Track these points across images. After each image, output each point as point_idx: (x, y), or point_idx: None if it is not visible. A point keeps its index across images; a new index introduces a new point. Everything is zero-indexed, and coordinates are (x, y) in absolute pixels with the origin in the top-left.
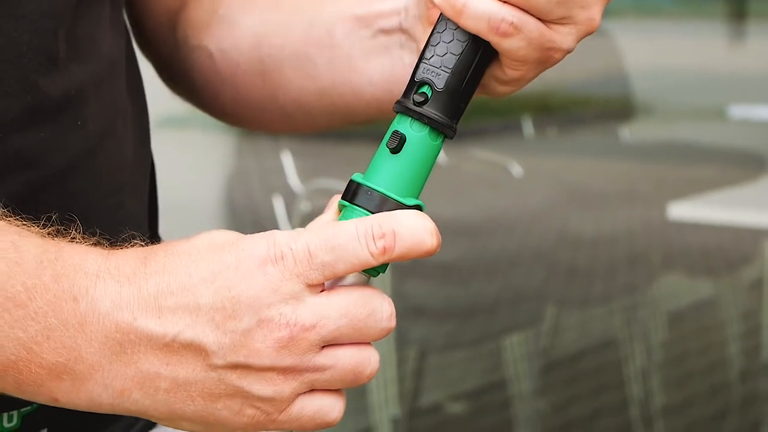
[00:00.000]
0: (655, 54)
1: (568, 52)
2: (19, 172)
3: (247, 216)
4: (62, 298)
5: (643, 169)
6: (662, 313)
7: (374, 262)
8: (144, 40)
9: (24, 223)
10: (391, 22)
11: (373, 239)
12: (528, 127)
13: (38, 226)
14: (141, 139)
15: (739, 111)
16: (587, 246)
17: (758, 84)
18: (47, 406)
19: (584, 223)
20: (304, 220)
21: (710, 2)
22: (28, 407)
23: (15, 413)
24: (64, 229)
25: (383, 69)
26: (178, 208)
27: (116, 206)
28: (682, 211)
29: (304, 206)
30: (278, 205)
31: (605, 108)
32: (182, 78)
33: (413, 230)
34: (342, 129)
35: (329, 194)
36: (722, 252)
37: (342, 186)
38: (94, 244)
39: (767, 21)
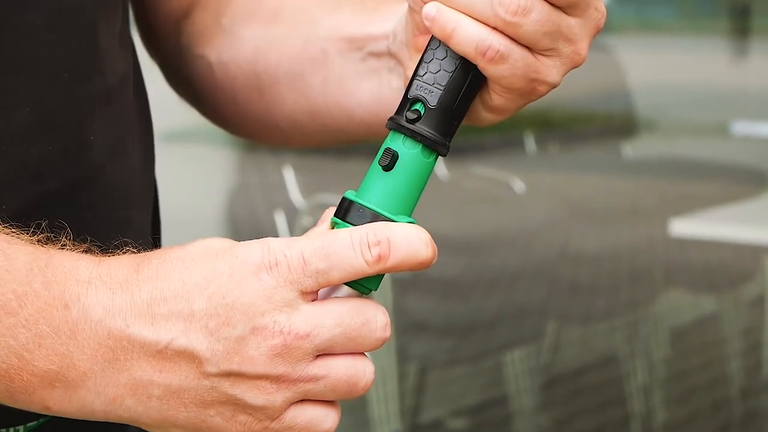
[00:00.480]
0: (658, 70)
1: (554, 86)
2: (26, 185)
3: (249, 231)
4: (53, 306)
5: (645, 185)
6: (664, 330)
7: (369, 271)
8: (152, 45)
9: (13, 231)
10: (381, 46)
11: (368, 247)
12: (530, 143)
13: (44, 239)
14: (147, 154)
15: (741, 127)
16: (589, 262)
17: (761, 100)
18: (53, 421)
19: (586, 239)
20: None
21: (713, 18)
22: (34, 422)
23: (21, 428)
24: (55, 237)
25: (372, 92)
26: (180, 222)
27: (124, 221)
28: (683, 227)
29: (306, 221)
30: (280, 220)
31: (607, 124)
32: (186, 84)
33: (408, 240)
34: (342, 145)
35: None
36: (724, 268)
37: None
38: (85, 251)
39: None
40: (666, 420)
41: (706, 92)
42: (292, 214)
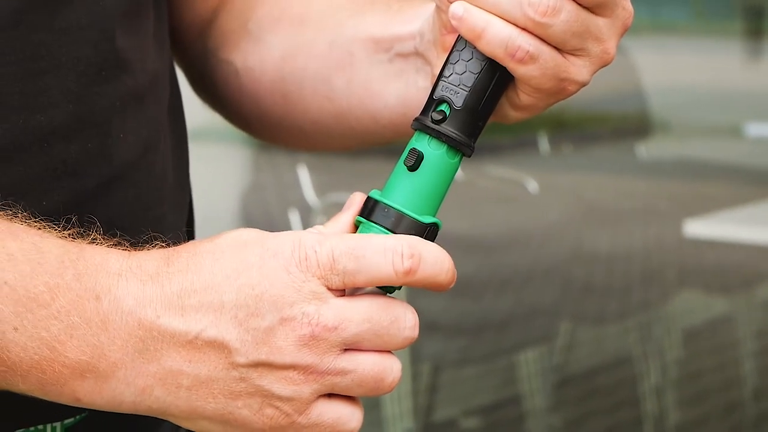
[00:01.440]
0: (672, 71)
1: (583, 84)
2: (64, 182)
3: (263, 229)
4: (84, 297)
5: (659, 186)
6: (677, 331)
7: (395, 280)
8: (176, 49)
9: (45, 226)
10: (408, 47)
11: (402, 258)
12: (544, 143)
13: (97, 235)
14: (180, 152)
15: (755, 129)
16: (602, 262)
17: None
18: (90, 417)
19: (599, 239)
20: None
21: (727, 20)
22: (71, 419)
23: (58, 425)
24: (85, 232)
25: (398, 93)
26: (195, 220)
27: (158, 218)
28: (697, 228)
29: (320, 220)
30: (294, 219)
31: (621, 125)
32: (210, 89)
33: (437, 260)
34: (367, 147)
35: None
36: (737, 269)
37: None
38: (115, 245)
39: None
40: (679, 421)
41: (720, 93)
42: (306, 212)
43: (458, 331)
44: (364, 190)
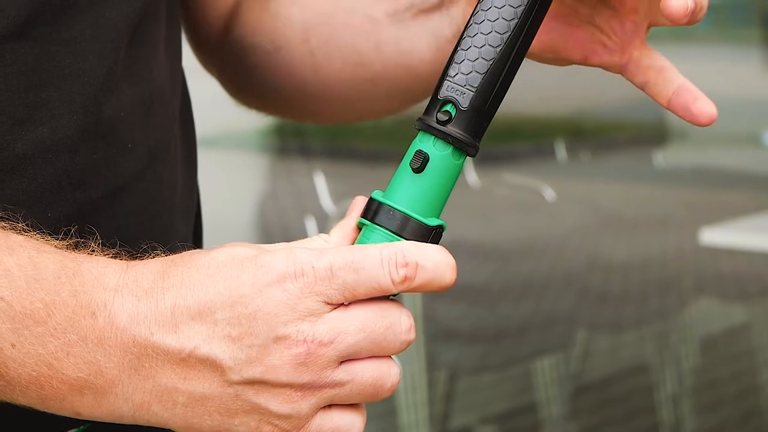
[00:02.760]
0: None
1: None
2: (68, 193)
3: (279, 237)
4: (80, 314)
5: (676, 194)
6: (694, 339)
7: (393, 290)
8: (205, 54)
9: (42, 237)
10: (431, 1)
11: (396, 267)
12: (561, 151)
13: (96, 247)
14: (189, 161)
15: None
16: (619, 270)
17: None
18: (98, 426)
19: (616, 247)
20: None
21: (746, 28)
22: (75, 429)
23: None
24: (83, 242)
25: (431, 45)
26: (210, 228)
27: (166, 228)
28: (714, 236)
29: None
30: (311, 226)
31: (639, 133)
32: (246, 81)
33: (436, 263)
34: (375, 147)
35: None
36: (755, 278)
37: None
38: (114, 256)
39: None
40: (695, 429)
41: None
42: (322, 219)
43: (475, 338)
44: None
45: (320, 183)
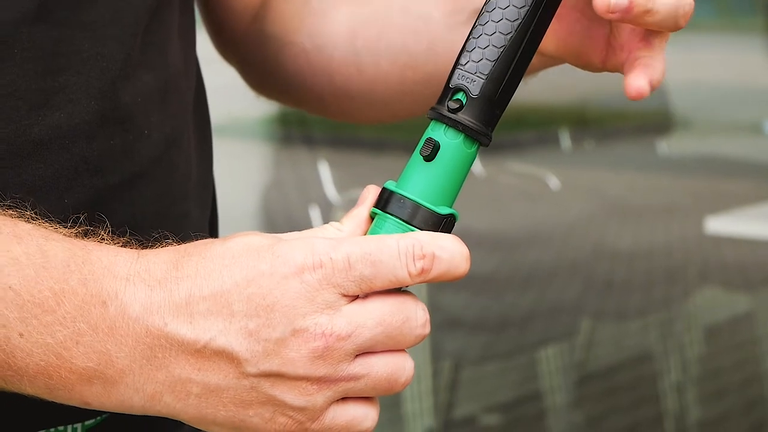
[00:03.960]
0: (694, 68)
1: None
2: (86, 180)
3: (284, 226)
4: (91, 303)
5: (681, 183)
6: (698, 327)
7: (410, 282)
8: (226, 43)
9: (51, 225)
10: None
11: (413, 259)
12: (565, 139)
13: (106, 235)
14: (204, 149)
15: None
16: (623, 259)
17: None
18: (111, 419)
19: (621, 235)
20: None
21: (749, 16)
22: (92, 420)
23: (79, 426)
24: (92, 230)
25: None
26: None
27: (182, 216)
28: (719, 225)
29: (341, 217)
30: (315, 215)
31: (643, 121)
32: (272, 75)
33: (452, 255)
34: (380, 136)
35: None
36: (759, 266)
37: None
38: (124, 245)
39: None
40: (699, 418)
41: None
42: (327, 209)
43: (479, 327)
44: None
45: (324, 172)
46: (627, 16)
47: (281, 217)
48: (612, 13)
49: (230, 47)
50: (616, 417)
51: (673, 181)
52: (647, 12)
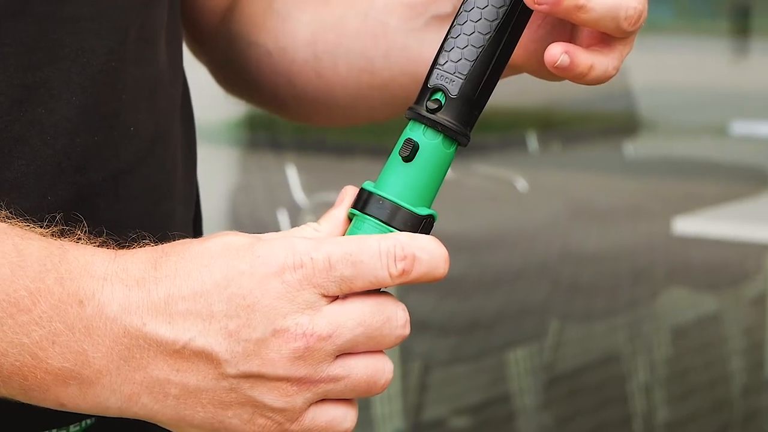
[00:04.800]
0: (659, 70)
1: None
2: (70, 177)
3: (252, 230)
4: (67, 302)
5: (647, 185)
6: (666, 328)
7: (390, 283)
8: (197, 42)
9: (27, 225)
10: (445, 7)
11: (395, 260)
12: (532, 141)
13: (83, 234)
14: (189, 147)
15: (740, 127)
16: (591, 260)
17: (761, 100)
18: (97, 424)
19: (588, 237)
20: None
21: (714, 18)
22: (77, 426)
23: (64, 431)
24: (69, 230)
25: None
26: None
27: (167, 215)
28: (685, 226)
29: (310, 220)
30: (283, 219)
31: (609, 124)
32: (238, 75)
33: (431, 256)
34: (346, 140)
35: None
36: (726, 267)
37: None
38: (101, 245)
39: None
40: (667, 418)
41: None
42: (295, 212)
43: (448, 330)
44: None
45: (292, 176)
46: (557, 9)
47: (249, 221)
48: (540, 5)
49: (201, 46)
50: (584, 418)
51: (640, 182)
52: (580, 8)
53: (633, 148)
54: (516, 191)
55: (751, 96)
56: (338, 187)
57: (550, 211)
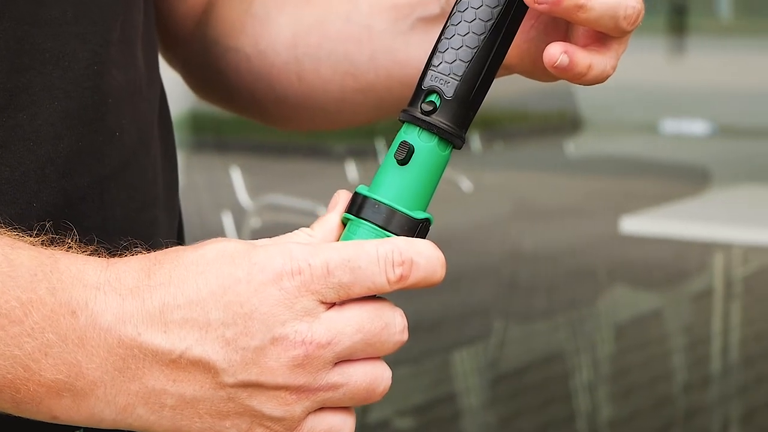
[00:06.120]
0: None
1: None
2: (54, 182)
3: (196, 232)
4: (60, 313)
5: (589, 183)
6: (609, 326)
7: (388, 289)
8: (170, 47)
9: (16, 234)
10: (431, 10)
11: (393, 266)
12: (475, 141)
13: (73, 243)
14: (169, 152)
15: (670, 125)
16: (535, 259)
17: (693, 98)
18: None
19: (532, 236)
20: (254, 236)
21: (652, 16)
22: None
23: None
24: (59, 238)
25: (426, 55)
26: None
27: (151, 221)
28: (627, 225)
29: (254, 222)
30: (227, 221)
31: (550, 122)
32: (215, 81)
33: (429, 261)
34: (287, 141)
35: (278, 210)
36: (667, 265)
37: (290, 202)
38: (92, 253)
39: (706, 35)
40: (611, 416)
41: (642, 90)
42: (239, 214)
43: None
44: (295, 190)
45: (237, 177)
46: (556, 8)
47: (194, 222)
48: (539, 4)
49: (175, 53)
50: (528, 416)
51: (582, 181)
52: (580, 7)
53: (574, 147)
54: (461, 191)
55: (682, 94)
56: (283, 189)
57: (494, 210)
